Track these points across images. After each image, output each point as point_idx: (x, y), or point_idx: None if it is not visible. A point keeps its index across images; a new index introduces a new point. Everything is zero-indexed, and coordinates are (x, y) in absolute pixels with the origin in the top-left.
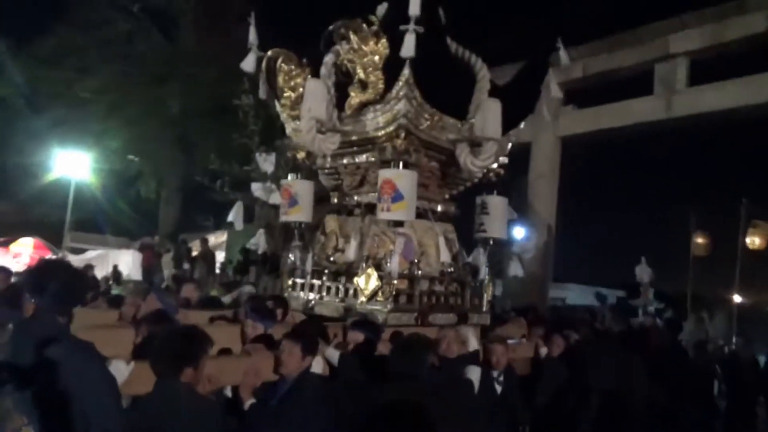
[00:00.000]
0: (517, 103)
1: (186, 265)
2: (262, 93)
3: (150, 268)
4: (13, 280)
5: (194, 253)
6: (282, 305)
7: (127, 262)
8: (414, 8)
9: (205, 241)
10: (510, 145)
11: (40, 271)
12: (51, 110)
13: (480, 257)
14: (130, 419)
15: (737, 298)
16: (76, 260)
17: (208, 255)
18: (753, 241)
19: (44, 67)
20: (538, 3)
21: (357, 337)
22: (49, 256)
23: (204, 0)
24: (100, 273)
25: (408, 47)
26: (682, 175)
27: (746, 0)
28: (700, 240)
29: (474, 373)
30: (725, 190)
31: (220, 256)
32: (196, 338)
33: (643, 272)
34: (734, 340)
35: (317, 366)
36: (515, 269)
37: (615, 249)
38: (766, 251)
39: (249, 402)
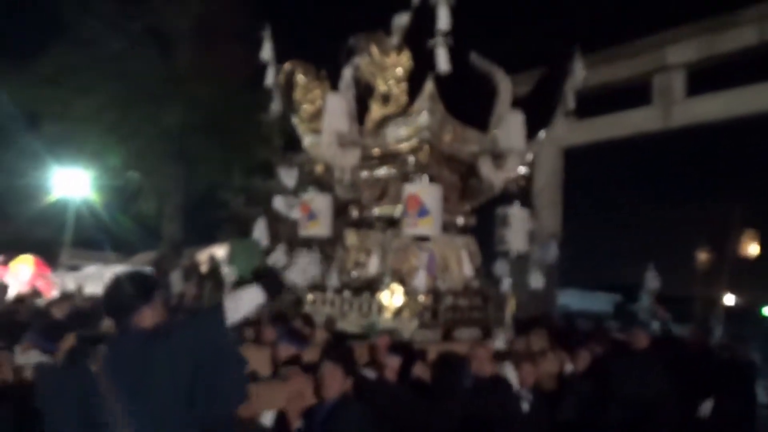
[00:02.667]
0: (538, 113)
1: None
2: (277, 106)
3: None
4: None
5: (202, 269)
6: (310, 324)
7: None
8: (443, 22)
9: (212, 259)
10: (531, 155)
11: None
12: (50, 130)
13: (502, 270)
14: None
15: (729, 300)
16: (73, 276)
17: (216, 272)
18: (743, 248)
19: (44, 86)
20: (544, 13)
21: (394, 362)
22: (50, 273)
23: (201, 18)
24: (95, 289)
25: (442, 61)
26: (679, 183)
27: (739, 13)
28: (704, 255)
29: (510, 371)
30: (722, 197)
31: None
32: None
33: (651, 280)
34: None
35: None
36: (536, 281)
37: (610, 254)
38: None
39: (297, 426)
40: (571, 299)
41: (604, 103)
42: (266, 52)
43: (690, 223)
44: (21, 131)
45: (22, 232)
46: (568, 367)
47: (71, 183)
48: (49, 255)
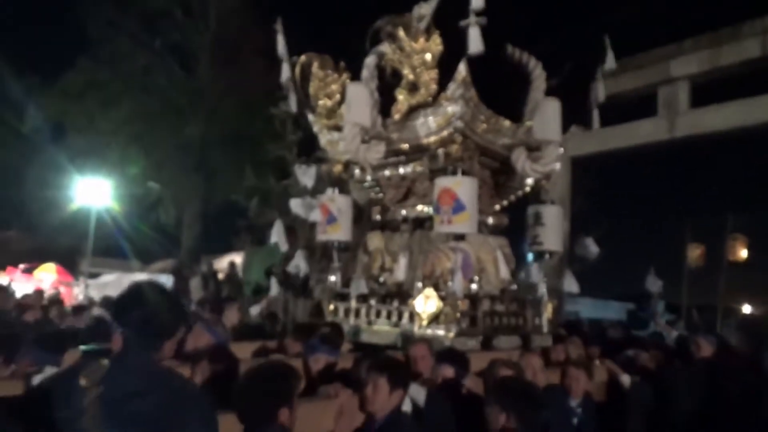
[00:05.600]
0: (569, 105)
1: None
2: (292, 104)
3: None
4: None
5: (220, 276)
6: (340, 334)
7: None
8: (477, 1)
9: (232, 265)
10: (561, 150)
11: (127, 296)
12: (74, 142)
13: (536, 272)
14: None
15: (747, 310)
16: (93, 284)
17: (234, 278)
18: (733, 252)
19: (71, 101)
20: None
21: (446, 371)
22: (72, 282)
23: (221, 34)
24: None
25: (475, 42)
26: (684, 191)
27: (742, 27)
28: (694, 252)
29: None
30: (724, 205)
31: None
32: (289, 373)
33: (652, 283)
34: None
35: (405, 405)
36: (570, 285)
37: (622, 263)
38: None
39: None
40: (581, 307)
41: (612, 114)
42: (280, 47)
43: (698, 232)
44: (46, 144)
45: (45, 241)
46: (625, 379)
47: (93, 192)
48: (70, 263)
